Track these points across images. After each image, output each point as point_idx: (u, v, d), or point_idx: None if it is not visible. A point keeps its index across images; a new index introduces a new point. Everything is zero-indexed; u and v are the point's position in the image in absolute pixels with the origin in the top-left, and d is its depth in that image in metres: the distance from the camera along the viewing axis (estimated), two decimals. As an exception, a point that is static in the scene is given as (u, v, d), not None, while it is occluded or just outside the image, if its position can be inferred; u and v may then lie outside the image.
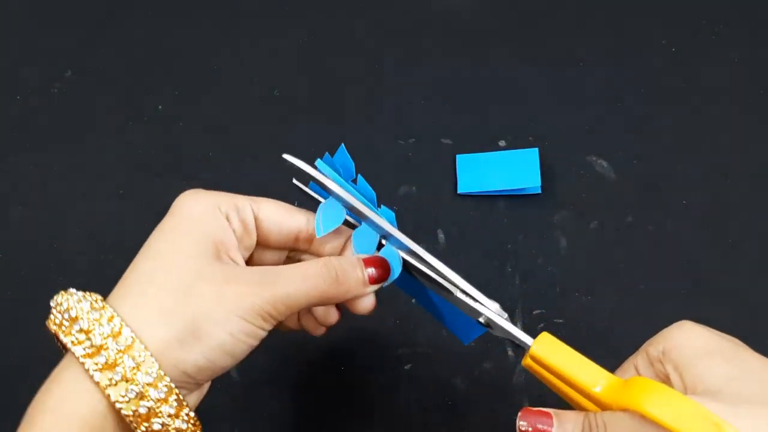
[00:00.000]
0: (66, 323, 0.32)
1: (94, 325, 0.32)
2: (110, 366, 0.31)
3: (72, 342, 0.32)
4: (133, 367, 0.31)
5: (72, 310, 0.32)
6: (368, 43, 0.61)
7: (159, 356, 0.32)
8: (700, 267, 0.51)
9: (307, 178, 0.38)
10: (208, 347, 0.33)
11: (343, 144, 0.38)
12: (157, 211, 0.36)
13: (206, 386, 0.36)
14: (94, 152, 0.57)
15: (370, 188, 0.38)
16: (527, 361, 0.36)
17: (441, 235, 0.53)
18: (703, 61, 0.58)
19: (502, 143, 0.56)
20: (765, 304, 0.50)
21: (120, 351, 0.31)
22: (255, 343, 0.35)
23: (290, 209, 0.39)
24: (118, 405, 0.31)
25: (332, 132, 0.57)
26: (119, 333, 0.32)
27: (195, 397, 0.35)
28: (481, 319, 0.37)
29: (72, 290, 0.34)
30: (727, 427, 0.28)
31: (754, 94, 0.57)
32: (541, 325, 0.49)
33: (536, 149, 0.54)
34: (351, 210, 0.38)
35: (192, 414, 0.33)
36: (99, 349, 0.31)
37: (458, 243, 0.52)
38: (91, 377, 0.31)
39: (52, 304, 0.34)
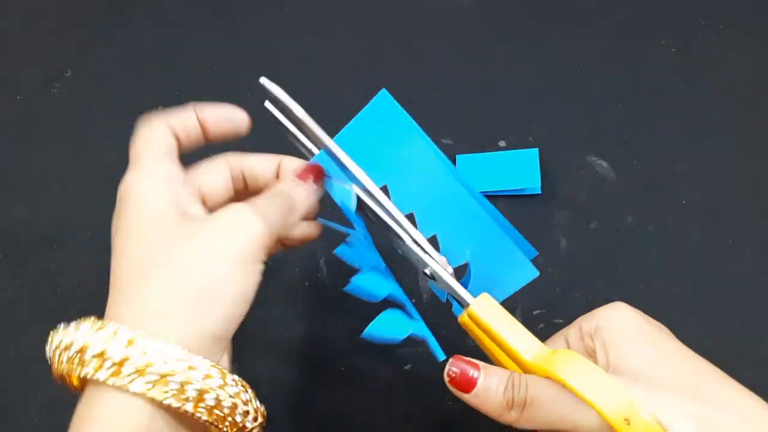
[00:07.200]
0: (77, 357, 0.31)
1: (105, 344, 0.31)
2: (141, 372, 0.30)
3: (94, 369, 0.30)
4: (164, 362, 0.30)
5: (78, 341, 0.31)
6: (367, 43, 0.61)
7: (180, 338, 0.31)
8: (700, 267, 0.51)
9: (279, 106, 0.39)
10: (225, 303, 0.33)
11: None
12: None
13: (229, 349, 0.36)
14: (94, 152, 0.57)
15: None
16: (464, 318, 0.37)
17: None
18: (703, 62, 0.58)
19: (502, 143, 0.56)
20: (765, 304, 0.50)
21: (144, 354, 0.30)
22: (260, 278, 0.34)
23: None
24: (167, 402, 0.30)
25: (332, 132, 0.56)
26: (132, 341, 0.31)
27: (226, 361, 0.35)
28: (426, 271, 0.38)
29: (62, 325, 0.32)
30: (638, 405, 0.30)
31: (754, 94, 0.57)
32: (541, 325, 0.49)
33: (536, 150, 0.54)
34: (313, 139, 0.40)
35: (237, 378, 0.33)
36: (122, 362, 0.30)
37: (458, 243, 0.52)
38: (127, 391, 0.30)
39: (51, 347, 0.32)
